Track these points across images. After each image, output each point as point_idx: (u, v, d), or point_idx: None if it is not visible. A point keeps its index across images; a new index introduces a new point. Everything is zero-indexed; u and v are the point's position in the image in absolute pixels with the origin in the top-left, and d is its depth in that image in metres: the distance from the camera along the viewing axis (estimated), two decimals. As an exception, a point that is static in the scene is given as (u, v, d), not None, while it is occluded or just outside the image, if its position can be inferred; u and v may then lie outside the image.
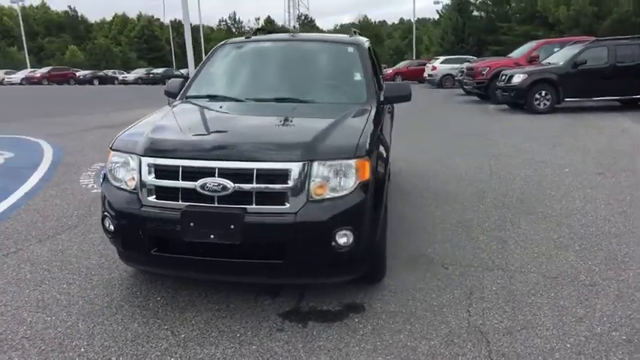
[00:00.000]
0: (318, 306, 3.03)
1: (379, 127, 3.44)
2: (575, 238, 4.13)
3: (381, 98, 3.83)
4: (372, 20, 71.09)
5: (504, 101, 13.91)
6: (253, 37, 4.54)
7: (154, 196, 2.76)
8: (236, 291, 3.19)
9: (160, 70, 43.94)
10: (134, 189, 2.81)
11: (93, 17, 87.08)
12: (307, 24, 77.69)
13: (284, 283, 3.10)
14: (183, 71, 38.57)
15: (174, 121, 3.35)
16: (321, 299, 3.09)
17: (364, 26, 64.41)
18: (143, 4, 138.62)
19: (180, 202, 2.71)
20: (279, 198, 2.65)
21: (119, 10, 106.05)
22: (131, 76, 43.02)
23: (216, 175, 2.66)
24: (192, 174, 2.69)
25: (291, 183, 2.64)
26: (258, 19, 79.40)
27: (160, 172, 2.75)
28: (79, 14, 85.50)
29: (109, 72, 46.60)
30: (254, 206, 2.65)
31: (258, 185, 2.64)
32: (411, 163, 7.24)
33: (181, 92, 3.99)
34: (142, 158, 2.79)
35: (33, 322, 2.89)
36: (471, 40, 42.10)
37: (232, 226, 2.61)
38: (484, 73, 15.73)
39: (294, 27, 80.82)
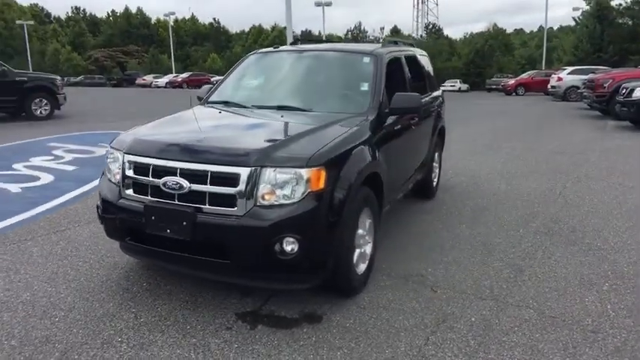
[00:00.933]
0: (278, 311, 3.05)
1: (370, 138, 3.37)
2: (611, 277, 3.60)
3: (386, 110, 3.72)
4: (504, 28, 67.00)
5: (624, 117, 12.36)
6: (281, 47, 4.68)
7: (132, 190, 3.03)
8: (211, 286, 3.33)
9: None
10: (118, 182, 3.10)
11: (234, 28, 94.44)
12: (434, 33, 76.13)
13: (236, 283, 3.14)
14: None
15: (170, 124, 3.62)
16: (285, 305, 3.10)
17: (493, 35, 61.02)
18: (280, 16, 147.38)
19: (149, 197, 2.93)
20: (229, 200, 2.74)
21: (258, 22, 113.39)
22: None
23: (177, 174, 2.83)
24: (159, 172, 2.90)
25: (240, 187, 2.71)
26: (383, 28, 79.84)
27: (137, 168, 3.01)
28: (222, 26, 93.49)
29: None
30: (207, 206, 2.77)
31: (210, 187, 2.76)
32: (473, 178, 6.82)
33: (205, 97, 4.27)
34: (125, 155, 3.07)
35: (37, 290, 3.32)
36: (610, 49, 37.87)
37: (184, 223, 2.76)
38: (605, 85, 14.12)
39: (421, 36, 79.77)
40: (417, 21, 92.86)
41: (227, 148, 2.86)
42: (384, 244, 4.19)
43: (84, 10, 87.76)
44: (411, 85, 4.60)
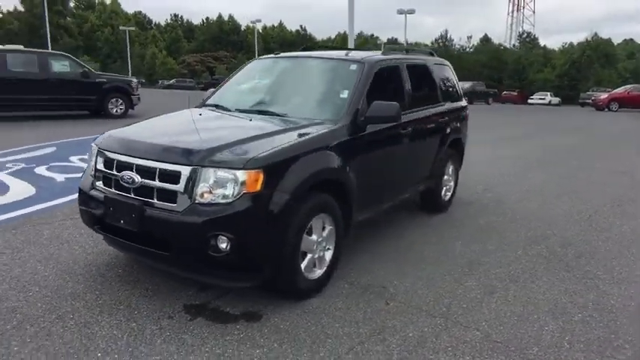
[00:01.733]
0: (224, 307, 3.17)
1: (336, 146, 3.43)
2: (590, 308, 3.33)
3: (362, 118, 3.72)
4: (608, 38, 62.08)
5: None
6: (281, 54, 4.83)
7: (101, 182, 3.31)
8: (176, 279, 3.50)
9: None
10: (92, 174, 3.40)
11: (320, 36, 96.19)
12: (529, 42, 72.58)
13: (183, 275, 3.28)
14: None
15: (148, 123, 3.90)
16: (233, 302, 3.22)
17: (592, 45, 56.93)
18: (367, 24, 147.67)
19: (112, 190, 3.20)
20: (172, 197, 2.92)
21: (344, 29, 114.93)
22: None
23: (134, 169, 3.06)
24: (121, 167, 3.15)
25: (181, 184, 2.89)
26: (470, 37, 77.35)
27: (106, 162, 3.28)
28: (308, 33, 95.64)
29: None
30: (154, 201, 2.98)
31: (158, 183, 2.96)
32: (503, 195, 6.50)
33: (203, 100, 4.52)
34: (99, 150, 3.37)
35: (28, 267, 3.69)
36: None
37: (133, 215, 2.98)
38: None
39: (514, 45, 76.31)
40: (511, 29, 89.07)
41: (174, 147, 3.05)
42: (366, 251, 4.20)
43: (181, 17, 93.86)
44: (411, 94, 4.54)
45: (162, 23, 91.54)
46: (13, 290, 3.33)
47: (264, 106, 3.99)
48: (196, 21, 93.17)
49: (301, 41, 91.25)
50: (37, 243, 4.22)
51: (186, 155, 2.93)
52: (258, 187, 2.85)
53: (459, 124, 5.59)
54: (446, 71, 5.61)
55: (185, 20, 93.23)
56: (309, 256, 3.28)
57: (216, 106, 4.25)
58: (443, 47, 66.64)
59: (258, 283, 3.08)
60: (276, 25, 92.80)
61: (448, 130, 5.26)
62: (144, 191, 3.02)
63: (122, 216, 3.05)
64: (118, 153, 3.19)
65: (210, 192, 2.86)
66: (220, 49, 79.48)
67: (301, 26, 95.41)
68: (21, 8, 68.96)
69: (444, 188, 5.49)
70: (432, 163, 5.03)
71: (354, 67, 4.07)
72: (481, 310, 3.26)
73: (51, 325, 2.89)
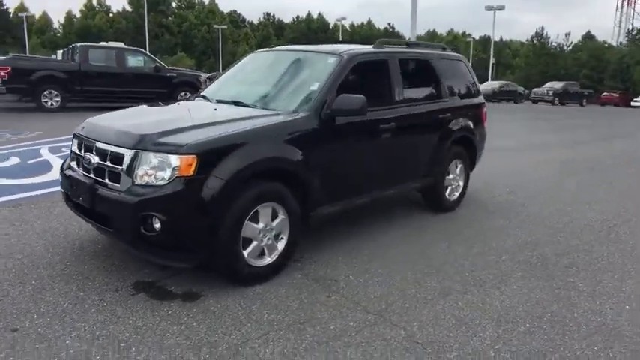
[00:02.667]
0: (170, 285, 3.34)
1: (292, 136, 3.48)
2: (545, 319, 3.09)
3: (328, 111, 3.71)
4: None
5: None
6: (276, 48, 4.91)
7: (75, 162, 3.62)
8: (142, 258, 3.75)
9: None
10: (69, 156, 3.73)
11: (409, 34, 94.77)
12: (638, 40, 66.13)
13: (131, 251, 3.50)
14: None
15: (130, 110, 4.16)
16: (182, 282, 3.37)
17: None
18: (459, 22, 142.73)
19: (79, 170, 3.49)
20: (118, 177, 3.14)
21: (433, 27, 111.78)
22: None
23: (93, 151, 3.33)
24: (86, 149, 3.43)
25: (124, 166, 3.09)
26: (568, 34, 71.65)
27: (78, 145, 3.59)
28: (397, 31, 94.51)
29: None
30: (105, 181, 3.21)
31: (109, 164, 3.20)
32: (526, 199, 6.09)
33: (198, 91, 4.73)
34: (75, 134, 3.68)
35: (25, 239, 4.11)
36: None
37: (87, 194, 3.24)
38: None
39: (620, 43, 69.84)
40: (619, 26, 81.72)
41: (123, 131, 3.26)
42: (341, 245, 4.18)
43: (273, 15, 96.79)
44: (401, 89, 4.43)
45: (255, 22, 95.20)
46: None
47: (240, 96, 4.12)
48: (287, 19, 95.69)
49: (388, 38, 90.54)
50: (45, 218, 4.67)
51: (131, 139, 3.14)
52: (191, 171, 2.98)
53: (469, 122, 5.33)
54: (457, 67, 5.38)
55: (276, 19, 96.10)
56: (254, 243, 3.35)
57: (203, 97, 4.44)
58: (538, 45, 62.74)
59: (194, 265, 3.22)
60: (365, 22, 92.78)
61: (453, 127, 5.04)
62: (99, 172, 3.27)
63: (81, 194, 3.32)
64: (85, 136, 3.48)
65: (148, 174, 3.03)
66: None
67: (389, 24, 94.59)
68: (129, 8, 75.13)
69: (450, 188, 5.28)
70: (427, 160, 4.86)
71: (331, 60, 4.06)
72: (421, 311, 3.14)
73: (11, 288, 3.22)
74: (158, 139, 3.10)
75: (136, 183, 3.05)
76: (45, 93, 13.28)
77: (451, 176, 5.24)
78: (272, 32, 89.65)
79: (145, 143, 3.08)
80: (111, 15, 75.12)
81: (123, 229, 3.13)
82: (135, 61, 14.60)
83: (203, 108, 4.06)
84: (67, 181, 3.56)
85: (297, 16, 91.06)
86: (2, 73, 12.83)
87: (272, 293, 3.31)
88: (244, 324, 2.90)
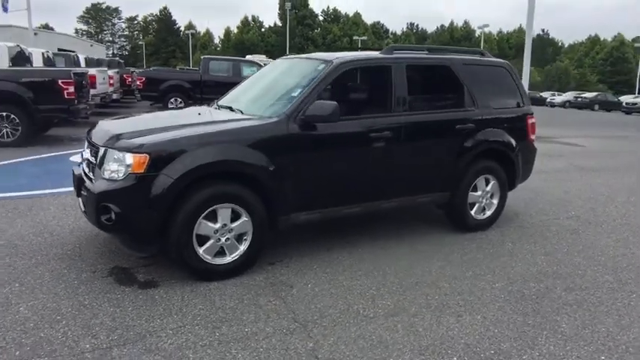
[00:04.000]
0: (139, 273, 3.64)
1: (257, 141, 3.58)
2: (487, 343, 2.73)
3: (302, 116, 3.72)
4: None
5: None
6: (290, 55, 4.99)
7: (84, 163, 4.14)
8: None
9: (590, 95, 40.56)
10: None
11: (567, 40, 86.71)
12: None
13: None
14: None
15: (139, 116, 4.57)
16: (151, 271, 3.66)
17: None
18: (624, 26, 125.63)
19: (83, 165, 4.00)
20: (94, 171, 3.55)
21: (594, 32, 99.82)
22: (559, 98, 41.77)
23: (91, 150, 3.79)
24: (87, 147, 3.92)
25: (97, 161, 3.49)
26: None
27: (87, 146, 4.10)
28: (551, 37, 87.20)
29: (540, 94, 46.49)
30: (90, 174, 3.65)
31: (92, 159, 3.63)
32: (579, 224, 5.30)
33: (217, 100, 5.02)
34: (86, 136, 4.21)
35: (29, 226, 4.81)
36: None
37: (76, 184, 3.72)
38: None
39: None
40: None
41: (105, 131, 3.67)
42: (328, 253, 4.14)
43: (417, 25, 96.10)
44: (406, 97, 4.23)
45: (399, 32, 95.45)
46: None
47: (234, 102, 4.32)
48: (432, 28, 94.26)
49: (541, 45, 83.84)
50: (56, 207, 5.24)
51: (105, 137, 3.54)
52: (143, 169, 3.25)
53: (506, 134, 4.83)
54: (494, 74, 4.92)
55: (420, 28, 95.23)
56: (210, 241, 3.51)
57: (217, 103, 4.74)
58: None
59: (150, 255, 3.48)
60: (516, 29, 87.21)
61: (478, 139, 4.62)
62: (88, 166, 3.73)
63: (77, 185, 3.81)
64: (88, 136, 3.96)
65: (112, 170, 3.38)
66: (449, 56, 78.66)
67: (543, 30, 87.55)
68: (279, 23, 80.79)
69: (477, 205, 4.84)
70: (442, 173, 4.53)
71: (320, 66, 4.05)
72: (349, 329, 3.00)
73: (18, 259, 3.82)
74: (123, 138, 3.44)
75: (103, 176, 3.42)
76: (171, 100, 15.02)
77: (478, 192, 4.81)
78: (413, 42, 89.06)
79: (112, 141, 3.44)
80: (263, 30, 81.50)
81: (90, 216, 3.52)
82: (249, 72, 15.71)
83: (192, 113, 4.35)
84: (73, 176, 4.09)
85: (441, 25, 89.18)
86: (138, 83, 14.85)
87: (220, 290, 3.44)
88: (170, 315, 3.08)
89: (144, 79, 14.86)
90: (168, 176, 3.28)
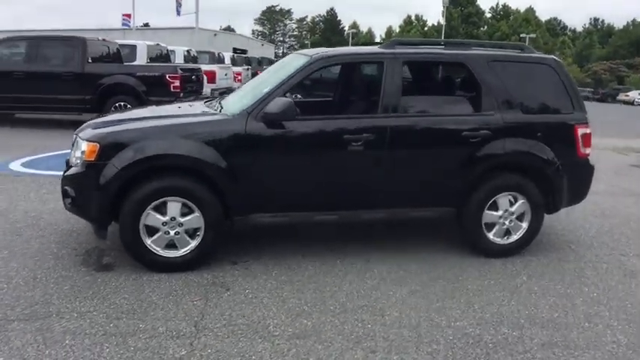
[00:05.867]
0: (108, 255, 3.84)
1: (211, 137, 3.53)
2: None
3: (262, 114, 3.55)
4: None
5: None
6: (297, 51, 4.75)
7: None
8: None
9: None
10: None
11: None
12: None
13: None
14: None
15: (135, 110, 4.76)
16: (121, 256, 3.78)
17: None
18: None
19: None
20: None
21: None
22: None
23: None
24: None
25: (72, 147, 3.78)
26: None
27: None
28: None
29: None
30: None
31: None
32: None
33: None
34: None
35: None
36: None
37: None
38: None
39: None
40: None
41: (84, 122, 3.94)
42: (303, 262, 3.91)
43: (602, 21, 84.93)
44: (399, 96, 3.75)
45: (579, 29, 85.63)
46: None
47: (230, 98, 4.30)
48: (620, 24, 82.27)
49: None
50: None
51: (80, 127, 3.80)
52: (93, 157, 3.43)
53: (542, 145, 3.97)
54: (535, 73, 4.05)
55: (605, 24, 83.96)
56: (159, 233, 3.55)
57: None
58: None
59: (104, 238, 3.66)
60: None
61: (495, 149, 3.87)
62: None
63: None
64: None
65: (76, 156, 3.63)
66: (638, 55, 67.93)
67: None
68: (442, 22, 78.43)
69: (497, 226, 4.08)
70: (440, 185, 3.90)
71: (301, 61, 3.79)
72: (235, 345, 2.78)
73: (24, 230, 4.32)
74: (89, 127, 3.67)
75: (71, 162, 3.70)
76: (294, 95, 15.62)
77: (499, 212, 4.04)
78: (596, 40, 78.81)
79: (80, 130, 3.70)
80: (425, 29, 79.86)
81: (63, 200, 3.82)
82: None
83: (173, 107, 4.44)
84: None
85: (633, 20, 77.27)
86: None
87: (156, 284, 3.45)
88: (91, 299, 3.19)
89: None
90: (114, 166, 3.40)
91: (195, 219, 3.57)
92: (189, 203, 3.54)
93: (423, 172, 3.90)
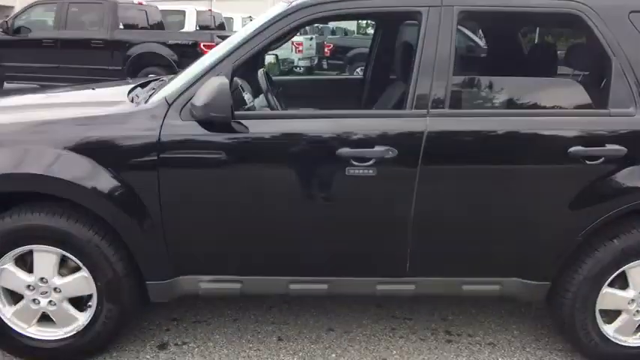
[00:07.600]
0: None
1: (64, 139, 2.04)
2: None
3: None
4: None
5: None
6: None
7: None
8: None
9: None
10: None
11: None
12: None
13: None
14: None
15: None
16: None
17: None
18: None
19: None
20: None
21: None
22: None
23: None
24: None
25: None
26: None
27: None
28: None
29: None
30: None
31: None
32: None
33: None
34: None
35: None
36: None
37: None
38: None
39: None
40: None
41: None
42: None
43: None
44: (448, 73, 2.00)
45: None
46: None
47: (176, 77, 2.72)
48: None
49: None
50: None
51: None
52: None
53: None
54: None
55: None
56: (23, 301, 2.15)
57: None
58: None
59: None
60: None
61: (627, 180, 2.04)
62: None
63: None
64: None
65: None
66: None
67: None
68: None
69: (623, 317, 2.25)
70: (522, 241, 2.13)
71: (278, 12, 2.12)
72: None
73: None
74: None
75: None
76: (357, 70, 13.80)
77: (630, 293, 2.21)
78: None
79: None
80: None
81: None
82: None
83: (79, 92, 2.99)
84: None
85: None
86: (326, 50, 14.00)
87: None
88: None
89: (331, 46, 13.90)
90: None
91: (81, 281, 2.12)
92: (69, 255, 2.09)
93: (487, 216, 2.12)
